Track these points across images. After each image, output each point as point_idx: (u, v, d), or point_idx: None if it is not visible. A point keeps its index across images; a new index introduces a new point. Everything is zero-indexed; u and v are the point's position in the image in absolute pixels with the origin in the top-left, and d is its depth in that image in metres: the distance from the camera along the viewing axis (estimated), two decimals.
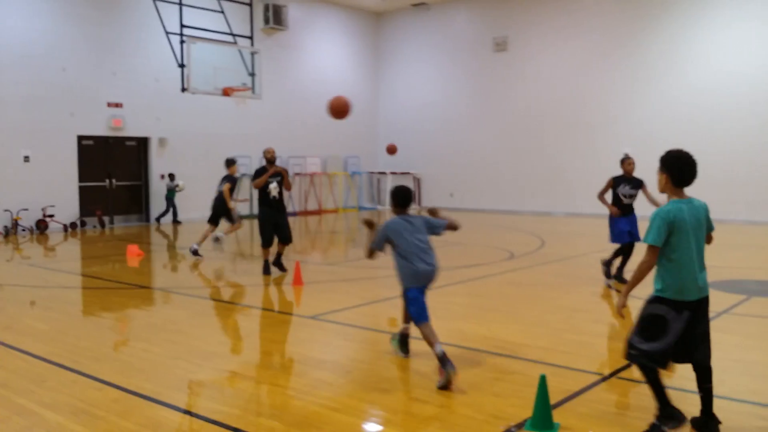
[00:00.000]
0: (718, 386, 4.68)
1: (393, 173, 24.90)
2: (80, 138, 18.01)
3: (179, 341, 6.48)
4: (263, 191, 10.13)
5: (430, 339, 5.25)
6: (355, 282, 9.89)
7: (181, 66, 14.60)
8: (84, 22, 17.87)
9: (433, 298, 8.46)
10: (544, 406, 4.17)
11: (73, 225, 17.60)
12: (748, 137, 17.75)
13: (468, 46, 23.42)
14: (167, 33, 14.91)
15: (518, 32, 22.13)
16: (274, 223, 10.11)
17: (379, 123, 26.01)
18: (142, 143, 19.40)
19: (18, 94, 16.75)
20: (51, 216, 17.12)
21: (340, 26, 24.61)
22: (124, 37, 18.58)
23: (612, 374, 5.29)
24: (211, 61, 15.10)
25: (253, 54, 16.13)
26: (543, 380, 4.20)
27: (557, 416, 4.33)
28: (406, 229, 5.42)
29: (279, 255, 10.21)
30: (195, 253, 12.09)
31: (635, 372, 5.27)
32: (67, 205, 17.65)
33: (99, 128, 18.22)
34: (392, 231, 5.43)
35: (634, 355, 4.04)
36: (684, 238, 4.04)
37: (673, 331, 3.96)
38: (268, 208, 10.13)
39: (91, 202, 18.29)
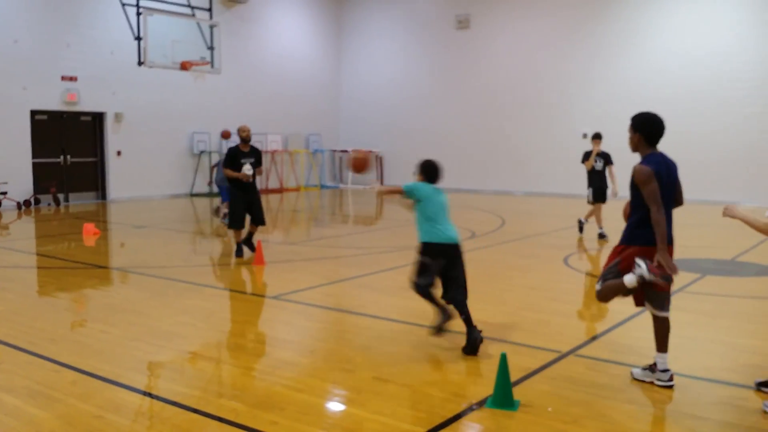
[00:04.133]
0: (673, 362, 4.82)
1: (355, 151, 24.79)
2: (33, 113, 17.49)
3: (138, 322, 6.40)
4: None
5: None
6: (318, 261, 9.87)
7: (138, 39, 14.28)
8: None
9: (393, 278, 8.53)
10: (504, 383, 4.24)
11: (26, 203, 17.15)
12: (705, 117, 18.13)
13: (430, 24, 23.34)
14: (123, 4, 14.54)
15: (480, 10, 22.12)
16: (248, 203, 9.65)
17: (341, 100, 25.84)
18: (98, 118, 18.93)
19: None
20: (4, 193, 16.65)
21: (302, 0, 24.27)
22: (79, 7, 18.00)
23: (570, 351, 5.40)
24: (169, 34, 14.80)
25: (212, 27, 15.85)
26: (504, 358, 4.26)
27: (517, 393, 4.41)
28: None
29: (250, 235, 9.81)
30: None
31: (593, 350, 5.39)
32: (20, 182, 17.17)
33: (53, 103, 17.71)
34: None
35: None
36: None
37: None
38: (240, 190, 9.63)
39: (46, 179, 17.82)
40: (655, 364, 4.64)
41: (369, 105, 25.01)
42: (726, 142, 17.75)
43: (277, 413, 4.18)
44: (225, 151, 21.04)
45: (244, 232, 9.88)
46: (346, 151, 25.13)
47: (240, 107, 21.94)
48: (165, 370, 5.16)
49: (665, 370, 4.58)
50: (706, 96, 18.08)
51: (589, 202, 11.57)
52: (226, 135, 16.35)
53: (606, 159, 11.45)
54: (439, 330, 5.50)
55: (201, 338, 6.07)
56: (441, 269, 5.44)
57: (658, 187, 4.40)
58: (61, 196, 18.15)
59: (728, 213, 4.44)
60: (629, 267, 4.49)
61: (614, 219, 12.59)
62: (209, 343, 5.93)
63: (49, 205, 17.75)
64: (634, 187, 4.50)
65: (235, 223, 9.68)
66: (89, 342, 5.78)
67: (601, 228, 11.55)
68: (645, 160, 4.52)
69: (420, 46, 23.69)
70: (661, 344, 4.63)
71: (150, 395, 4.56)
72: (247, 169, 9.56)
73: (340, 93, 25.82)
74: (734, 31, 17.72)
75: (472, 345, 5.29)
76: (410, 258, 9.72)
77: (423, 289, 5.48)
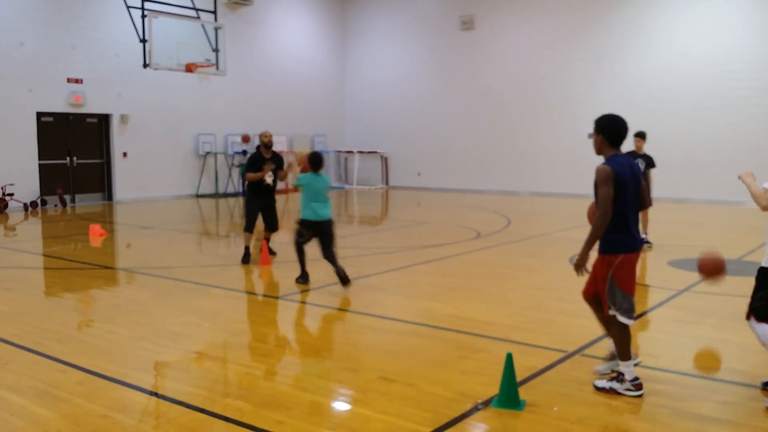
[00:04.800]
0: (676, 363, 4.81)
1: (360, 152, 24.84)
2: (39, 115, 17.56)
3: (144, 322, 6.42)
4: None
5: None
6: (323, 262, 9.85)
7: (143, 41, 14.31)
8: None
9: (398, 278, 8.54)
10: (510, 383, 4.24)
11: (33, 204, 17.22)
12: (708, 117, 18.09)
13: (435, 25, 23.34)
14: (128, 7, 14.57)
15: (485, 11, 22.11)
16: (263, 207, 9.58)
17: (346, 101, 25.85)
18: (104, 120, 18.99)
19: None
20: (11, 195, 16.72)
21: (306, 1, 24.29)
22: (84, 10, 18.06)
23: (576, 351, 5.39)
24: (174, 36, 14.82)
25: (216, 29, 15.88)
26: (509, 358, 4.26)
27: (523, 393, 4.41)
28: None
29: (267, 240, 9.69)
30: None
31: (599, 349, 5.38)
32: (26, 184, 17.23)
33: (59, 105, 17.77)
34: None
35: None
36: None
37: None
38: (257, 195, 9.57)
39: (52, 180, 17.88)
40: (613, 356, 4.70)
41: (374, 106, 25.01)
42: (731, 141, 17.69)
43: (282, 413, 4.19)
44: (232, 152, 21.28)
45: (250, 238, 9.76)
46: (351, 152, 25.10)
47: (245, 109, 21.99)
48: (171, 369, 5.17)
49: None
50: (711, 96, 18.02)
51: None
52: (245, 139, 16.59)
53: (648, 161, 10.45)
54: (299, 280, 7.99)
55: (207, 338, 6.09)
56: (313, 237, 7.74)
57: (613, 192, 4.37)
58: (67, 198, 18.22)
59: (742, 177, 4.59)
60: (622, 277, 4.44)
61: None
62: (215, 343, 5.94)
63: (55, 206, 17.81)
64: (597, 187, 4.49)
65: (249, 225, 9.62)
66: (95, 342, 5.80)
67: (644, 234, 10.48)
68: (607, 162, 4.51)
69: (424, 47, 23.68)
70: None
71: (156, 395, 4.57)
72: (268, 175, 9.55)
73: (344, 94, 25.83)
74: (739, 31, 17.67)
75: (340, 276, 7.59)
76: (416, 259, 9.77)
77: (299, 246, 7.87)
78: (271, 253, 9.84)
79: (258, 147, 9.69)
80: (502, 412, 4.19)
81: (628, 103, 19.04)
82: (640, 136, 10.56)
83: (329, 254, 7.69)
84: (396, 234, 12.96)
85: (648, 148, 10.57)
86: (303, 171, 8.01)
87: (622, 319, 4.48)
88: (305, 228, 7.72)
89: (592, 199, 4.66)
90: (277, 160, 9.67)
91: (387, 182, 24.84)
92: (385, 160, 24.81)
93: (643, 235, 10.27)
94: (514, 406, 4.22)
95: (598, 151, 4.65)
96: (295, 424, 4.02)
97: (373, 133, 25.07)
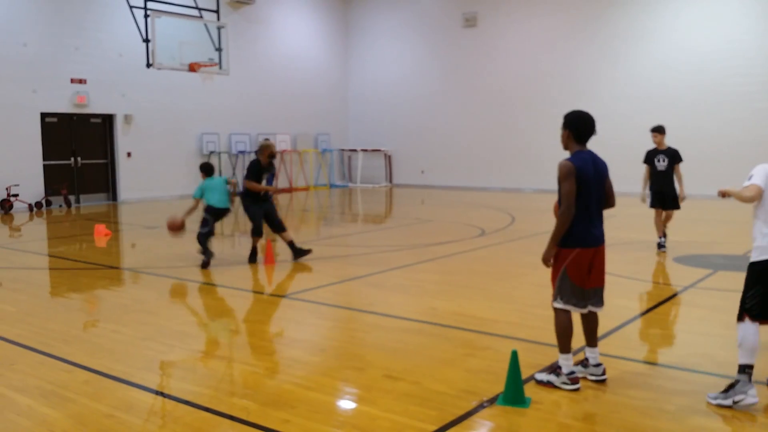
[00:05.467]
0: (682, 359, 4.79)
1: (364, 150, 24.84)
2: (43, 115, 17.60)
3: (149, 322, 6.43)
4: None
5: None
6: (328, 260, 9.87)
7: (146, 41, 14.32)
8: None
9: (403, 276, 8.54)
10: (515, 380, 4.23)
11: (38, 204, 17.26)
12: (713, 113, 18.03)
13: (438, 22, 23.31)
14: (131, 7, 14.59)
15: (488, 8, 22.08)
16: (265, 213, 9.59)
17: (350, 99, 25.85)
18: (107, 120, 19.03)
19: None
20: (15, 195, 16.77)
21: (308, 0, 24.28)
22: (87, 10, 18.10)
23: (581, 349, 5.37)
24: (177, 35, 14.82)
25: (219, 28, 15.88)
26: (515, 355, 4.25)
27: (528, 391, 4.40)
28: None
29: (291, 243, 9.61)
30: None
31: (603, 346, 5.38)
32: (31, 185, 17.28)
33: (63, 105, 17.81)
34: None
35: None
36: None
37: None
38: (256, 201, 9.57)
39: (57, 180, 17.93)
40: (587, 359, 4.68)
41: (377, 104, 25.00)
42: (734, 137, 17.63)
43: (288, 411, 4.19)
44: (236, 151, 21.29)
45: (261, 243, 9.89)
46: (354, 150, 25.11)
47: (248, 108, 22.01)
48: (176, 369, 5.18)
49: (598, 365, 4.62)
50: (714, 92, 17.97)
51: (653, 206, 9.95)
52: (273, 154, 16.72)
53: (672, 157, 9.70)
54: (204, 265, 9.13)
55: (212, 337, 6.10)
56: (216, 222, 9.35)
57: (576, 187, 4.43)
58: (72, 198, 18.26)
59: (726, 192, 4.48)
60: (575, 271, 4.49)
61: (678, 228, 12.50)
62: (220, 341, 5.96)
63: (60, 206, 17.86)
64: (560, 183, 4.50)
65: (257, 230, 9.59)
66: (101, 342, 5.81)
67: (660, 237, 9.89)
68: (571, 157, 4.55)
69: (427, 44, 23.66)
70: (593, 339, 4.70)
71: (162, 394, 4.58)
72: (264, 184, 9.70)
73: (348, 92, 25.83)
74: (741, 27, 17.60)
75: (292, 249, 9.39)
76: (420, 257, 9.77)
77: (201, 237, 9.19)
78: (298, 253, 9.64)
79: (257, 153, 9.66)
80: (508, 409, 4.18)
81: (632, 99, 19.01)
82: (657, 130, 9.85)
83: (262, 231, 9.50)
84: (400, 232, 12.96)
85: (650, 144, 10.10)
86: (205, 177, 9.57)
87: (570, 308, 4.55)
88: (209, 214, 9.29)
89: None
90: (273, 169, 9.79)
91: (391, 180, 24.83)
92: (388, 158, 24.80)
93: (661, 239, 9.87)
94: (519, 404, 4.21)
95: (565, 146, 4.71)
96: (301, 422, 4.03)
97: (377, 131, 25.06)
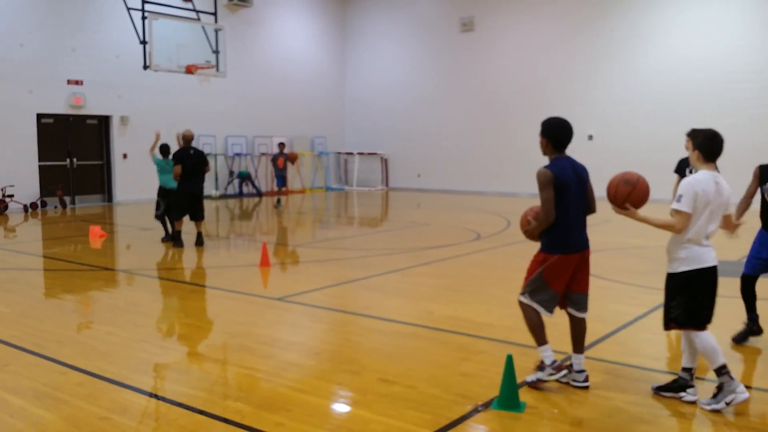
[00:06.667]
0: (678, 365, 4.77)
1: (360, 153, 24.84)
2: (40, 116, 17.56)
3: (144, 324, 6.41)
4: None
5: None
6: (323, 263, 9.87)
7: (143, 42, 14.30)
8: None
9: (400, 279, 8.53)
10: (510, 385, 4.23)
11: (33, 205, 17.22)
12: (710, 119, 18.03)
13: (435, 26, 23.35)
14: (129, 8, 14.58)
15: (485, 13, 22.13)
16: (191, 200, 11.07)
17: (346, 102, 25.86)
18: (104, 121, 19.00)
19: None
20: (10, 196, 16.72)
21: (306, 3, 24.31)
22: (84, 12, 18.09)
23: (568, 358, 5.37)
24: (174, 37, 14.80)
25: (216, 31, 15.87)
26: (510, 360, 4.25)
27: (523, 395, 4.40)
28: None
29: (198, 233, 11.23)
30: None
31: (599, 351, 5.38)
32: (27, 185, 17.24)
33: (59, 106, 17.78)
34: None
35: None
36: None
37: None
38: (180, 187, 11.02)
39: (52, 181, 17.89)
40: (571, 365, 4.67)
41: (374, 107, 25.02)
42: (732, 143, 17.51)
43: (282, 414, 4.18)
44: (232, 153, 21.26)
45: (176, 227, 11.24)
46: (351, 154, 25.11)
47: (245, 110, 22.00)
48: (171, 371, 5.17)
49: (581, 371, 4.62)
50: (711, 97, 18.02)
51: None
52: (293, 158, 17.02)
53: None
54: (175, 243, 10.81)
55: (206, 340, 6.08)
56: (167, 204, 10.98)
57: (554, 195, 4.44)
58: (67, 199, 18.22)
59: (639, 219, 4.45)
60: (553, 275, 4.57)
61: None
62: (215, 344, 5.94)
63: (55, 207, 17.81)
64: (540, 191, 4.53)
65: (176, 215, 11.12)
66: (95, 344, 5.79)
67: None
68: (549, 165, 4.54)
69: (424, 48, 23.70)
70: (579, 346, 4.70)
71: (156, 397, 4.56)
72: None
73: (344, 95, 25.84)
74: (739, 33, 17.68)
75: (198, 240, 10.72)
76: (416, 260, 9.77)
77: (158, 218, 11.14)
78: (176, 239, 11.05)
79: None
80: (503, 414, 4.18)
81: (629, 104, 19.06)
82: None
83: (194, 217, 10.89)
84: (396, 235, 12.96)
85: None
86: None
87: (536, 307, 4.64)
88: (161, 195, 10.97)
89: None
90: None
91: (387, 184, 24.84)
92: (385, 162, 24.81)
93: None
94: (514, 408, 4.21)
95: (544, 153, 4.69)
96: (295, 426, 4.02)
97: (373, 134, 25.08)
